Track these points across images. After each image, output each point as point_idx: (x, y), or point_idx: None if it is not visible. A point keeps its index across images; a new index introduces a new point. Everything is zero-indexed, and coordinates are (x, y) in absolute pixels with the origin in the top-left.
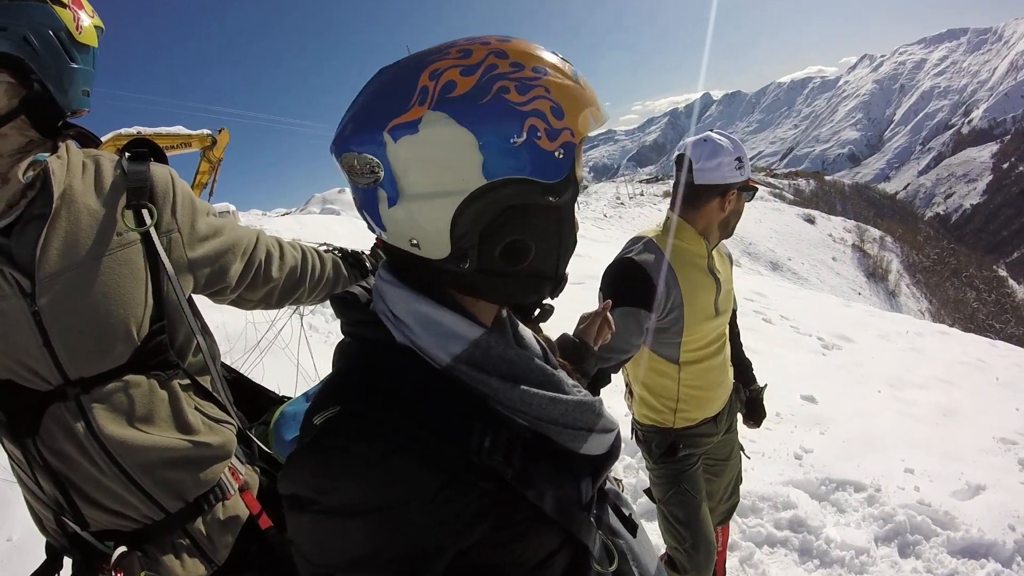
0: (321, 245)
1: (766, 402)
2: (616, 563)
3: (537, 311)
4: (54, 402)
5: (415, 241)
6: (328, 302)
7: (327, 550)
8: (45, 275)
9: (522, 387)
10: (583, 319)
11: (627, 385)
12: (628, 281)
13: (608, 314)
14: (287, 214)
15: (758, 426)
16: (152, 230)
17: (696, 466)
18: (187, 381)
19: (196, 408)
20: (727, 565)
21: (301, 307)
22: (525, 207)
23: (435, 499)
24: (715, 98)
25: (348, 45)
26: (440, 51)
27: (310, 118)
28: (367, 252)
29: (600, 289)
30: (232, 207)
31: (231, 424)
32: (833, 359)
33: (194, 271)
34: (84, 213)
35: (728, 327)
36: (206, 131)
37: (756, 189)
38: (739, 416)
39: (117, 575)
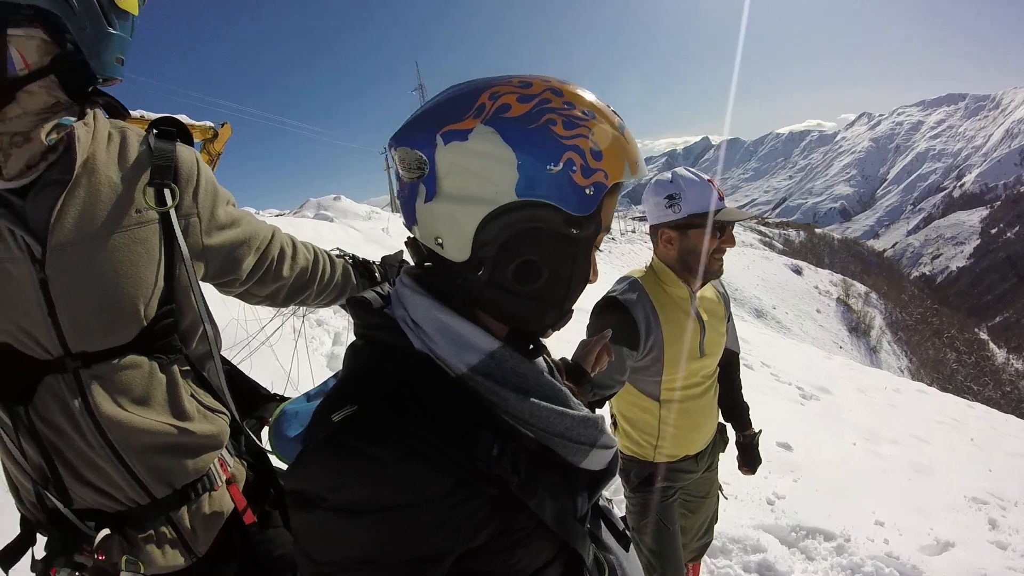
0: (333, 250)
1: None
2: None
3: (532, 347)
4: (51, 372)
5: (440, 239)
6: (324, 307)
7: (333, 548)
8: (57, 243)
9: (532, 400)
10: (582, 345)
11: (612, 416)
12: (613, 318)
13: (608, 343)
14: (280, 215)
15: (752, 472)
16: (172, 211)
17: (673, 499)
18: (187, 367)
19: (192, 395)
20: None
21: (305, 309)
22: (546, 231)
23: (443, 503)
24: (714, 143)
25: (354, 54)
26: (506, 79)
27: (313, 123)
28: (376, 262)
29: (588, 326)
30: None
31: (225, 415)
32: (811, 408)
33: (207, 258)
34: (104, 184)
35: (728, 369)
36: (208, 123)
37: (724, 239)
38: (720, 456)
39: (99, 558)
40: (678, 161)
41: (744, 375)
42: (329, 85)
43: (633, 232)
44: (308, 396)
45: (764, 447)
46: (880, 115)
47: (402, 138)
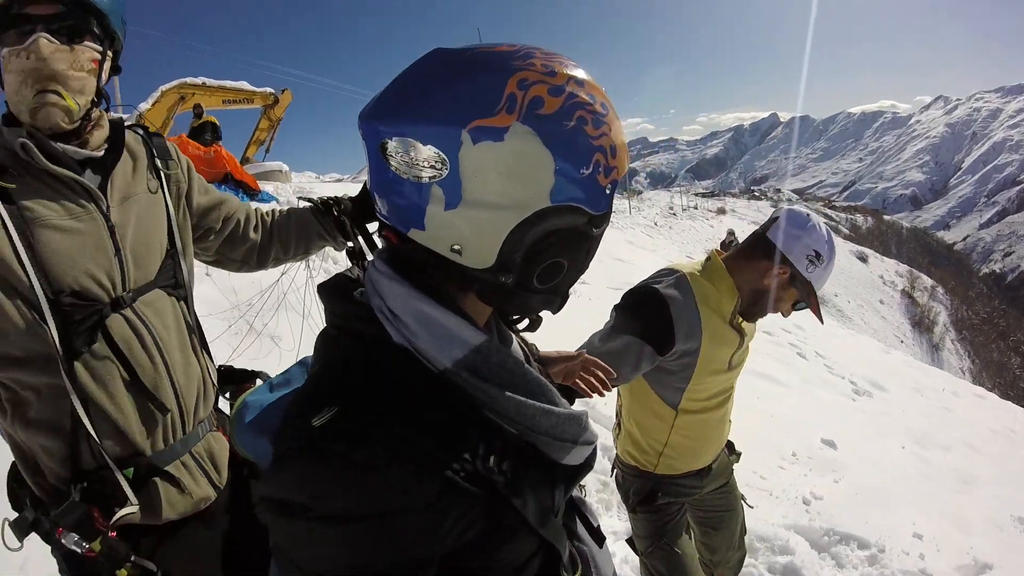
0: (301, 200)
1: (785, 438)
2: (580, 571)
3: (527, 321)
4: (116, 311)
5: (457, 247)
6: (301, 258)
7: (320, 557)
8: (115, 200)
9: (518, 397)
10: (561, 355)
11: (617, 416)
12: (647, 313)
13: (585, 373)
14: (340, 180)
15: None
16: (165, 183)
17: (678, 516)
18: (185, 304)
19: (195, 331)
20: None
21: (307, 261)
22: (570, 231)
23: (432, 506)
24: (782, 119)
25: (415, 19)
26: (523, 57)
27: (373, 87)
28: (333, 198)
29: (615, 307)
30: (285, 167)
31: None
32: (862, 405)
33: (195, 211)
34: (131, 160)
35: None
36: (269, 90)
37: (807, 306)
38: (735, 467)
39: (112, 535)
40: (744, 137)
41: (796, 363)
42: (390, 51)
43: (695, 208)
44: (271, 385)
45: (807, 443)
46: (957, 99)
47: (402, 127)
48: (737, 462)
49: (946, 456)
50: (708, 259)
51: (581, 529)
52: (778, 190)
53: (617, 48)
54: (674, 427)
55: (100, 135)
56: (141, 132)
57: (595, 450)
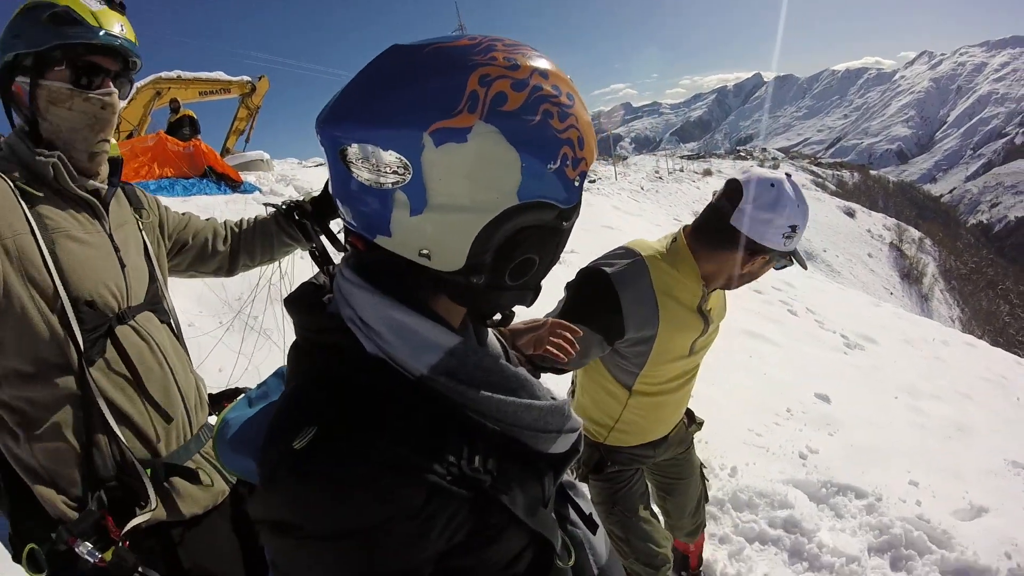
0: (268, 207)
1: (779, 395)
2: (574, 557)
3: (499, 316)
4: (121, 323)
5: (425, 251)
6: (268, 261)
7: (315, 573)
8: (114, 224)
9: (498, 396)
10: (528, 324)
11: (572, 384)
12: (595, 301)
13: (566, 340)
14: (322, 165)
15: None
16: (141, 222)
17: (633, 481)
18: (173, 329)
19: (182, 350)
20: (715, 556)
21: (276, 268)
22: (539, 227)
23: (420, 514)
24: (766, 79)
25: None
26: (483, 51)
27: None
28: (295, 202)
29: (567, 285)
30: (266, 155)
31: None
32: (854, 359)
33: (170, 235)
34: (119, 201)
35: None
36: (246, 78)
37: (792, 264)
38: (697, 435)
39: (124, 544)
40: (728, 98)
41: (788, 321)
42: (365, 30)
43: (681, 171)
44: (249, 400)
45: (801, 399)
46: (942, 55)
47: (360, 131)
48: (699, 431)
49: (938, 405)
50: (674, 240)
51: (574, 515)
52: (764, 149)
53: (596, 13)
54: (627, 406)
55: (106, 169)
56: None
57: (580, 436)
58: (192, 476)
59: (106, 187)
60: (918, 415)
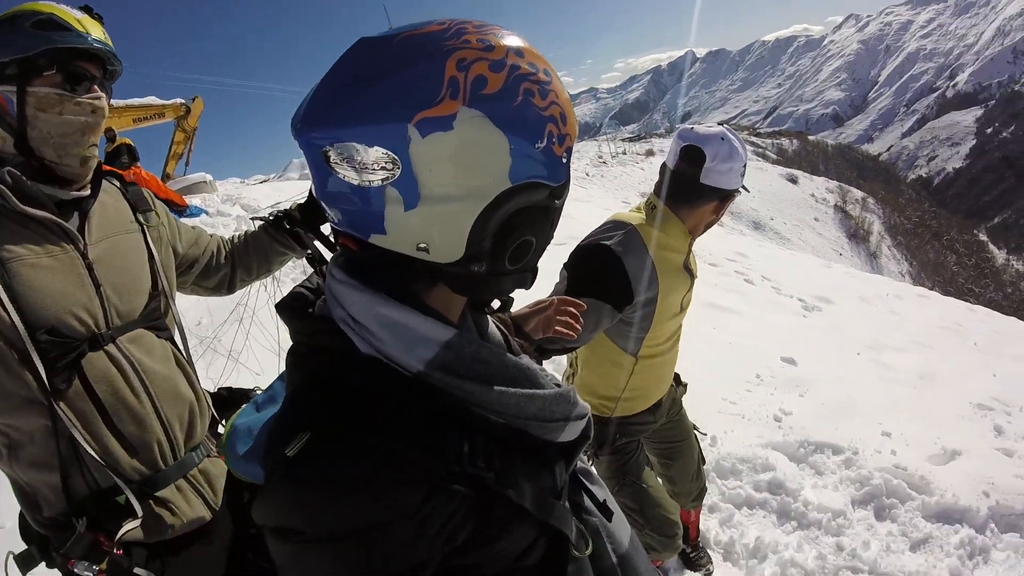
0: (256, 219)
1: (747, 363)
2: (591, 546)
3: (498, 303)
4: (94, 348)
5: (424, 245)
6: (266, 274)
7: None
8: (93, 238)
9: (498, 388)
10: (534, 308)
11: (571, 365)
12: (603, 271)
13: (572, 316)
14: (265, 181)
15: None
16: (147, 229)
17: (637, 452)
18: (174, 344)
19: (187, 365)
20: (706, 525)
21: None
22: (533, 208)
23: (419, 513)
24: (699, 56)
25: (313, 4)
26: (455, 35)
27: (284, 82)
28: (283, 212)
29: (565, 266)
30: (209, 176)
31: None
32: (814, 321)
33: (177, 249)
34: (109, 203)
35: None
36: (179, 100)
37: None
38: (685, 397)
39: (117, 552)
40: (663, 78)
41: (746, 290)
42: (293, 42)
43: (624, 154)
44: (257, 405)
45: (769, 364)
46: (868, 16)
47: (340, 131)
48: (684, 393)
49: (901, 357)
50: (652, 207)
51: (589, 504)
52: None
53: (522, 2)
54: (633, 373)
55: (89, 175)
56: (117, 183)
57: (589, 421)
58: (161, 502)
59: (87, 194)
60: (882, 368)
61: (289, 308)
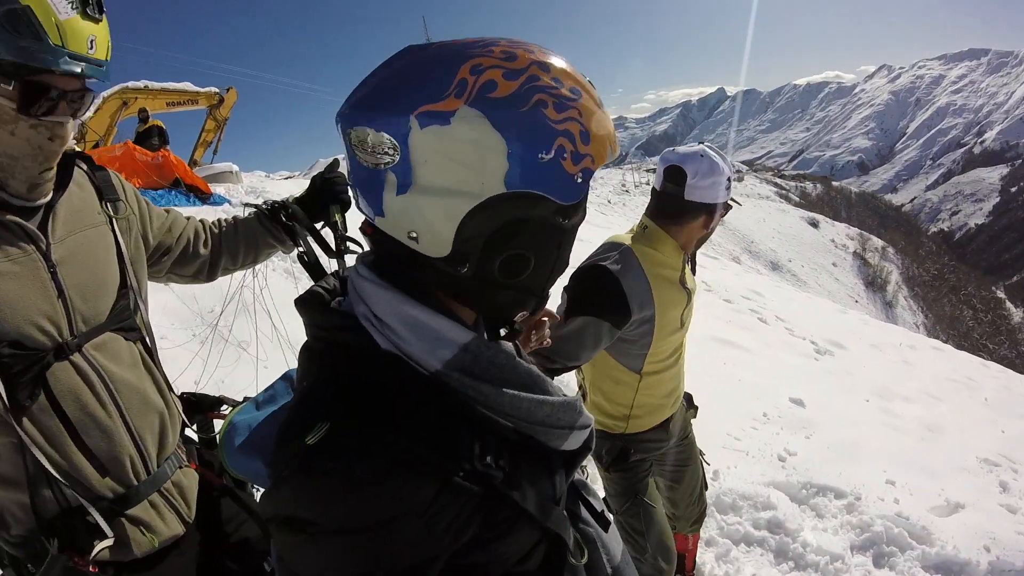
0: (248, 207)
1: (755, 401)
2: (587, 554)
3: (506, 329)
4: (59, 358)
5: (414, 234)
6: (250, 265)
7: (323, 568)
8: (56, 237)
9: (510, 392)
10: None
11: (580, 387)
12: (600, 291)
13: (546, 327)
14: (290, 177)
15: None
16: (115, 220)
17: (648, 473)
18: (143, 346)
19: (156, 370)
20: (703, 559)
21: (255, 271)
22: (534, 222)
23: (427, 511)
24: (729, 94)
25: (363, 13)
26: (483, 46)
27: (319, 83)
28: (279, 202)
29: (565, 289)
30: (235, 167)
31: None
32: (825, 364)
33: (148, 238)
34: (75, 196)
35: None
36: (213, 89)
37: (732, 206)
38: (693, 422)
39: (93, 570)
40: (692, 113)
41: (758, 329)
42: (333, 44)
43: (647, 184)
44: (257, 403)
45: (777, 403)
46: (900, 68)
47: (360, 116)
48: (695, 416)
49: (909, 407)
50: (645, 227)
51: (585, 514)
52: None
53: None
54: (639, 390)
55: (50, 178)
56: (85, 167)
57: (592, 432)
58: (135, 521)
59: (49, 198)
60: (890, 416)
61: (307, 302)
